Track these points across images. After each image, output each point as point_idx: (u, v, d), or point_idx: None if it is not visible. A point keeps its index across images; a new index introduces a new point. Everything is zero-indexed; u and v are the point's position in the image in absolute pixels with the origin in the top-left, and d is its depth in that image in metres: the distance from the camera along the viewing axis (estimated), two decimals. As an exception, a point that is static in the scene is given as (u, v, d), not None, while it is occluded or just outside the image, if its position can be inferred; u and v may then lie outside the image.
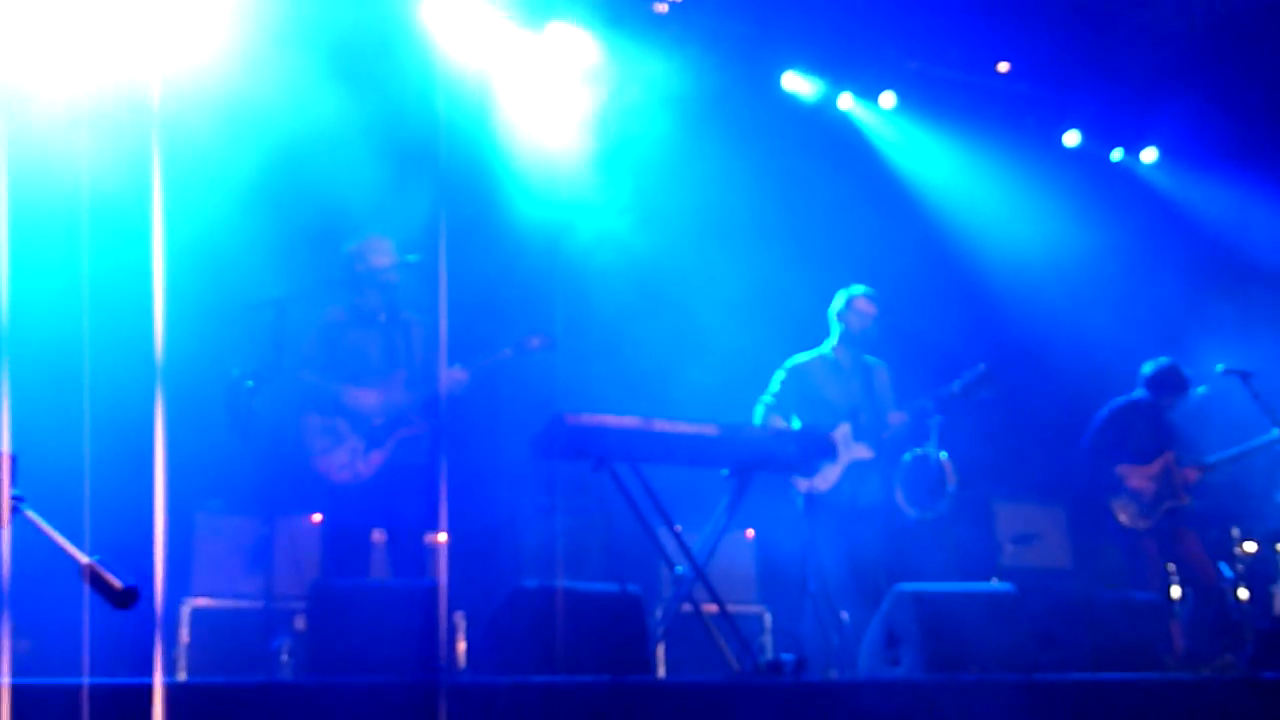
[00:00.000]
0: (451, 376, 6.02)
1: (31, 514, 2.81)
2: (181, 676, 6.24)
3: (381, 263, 6.16)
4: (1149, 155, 10.28)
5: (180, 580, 6.46)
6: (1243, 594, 7.93)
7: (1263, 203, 9.98)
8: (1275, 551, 8.08)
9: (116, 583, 2.77)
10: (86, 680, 3.13)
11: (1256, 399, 7.36)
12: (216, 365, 5.92)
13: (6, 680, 2.98)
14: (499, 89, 8.10)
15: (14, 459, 2.78)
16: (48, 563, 3.03)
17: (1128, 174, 10.28)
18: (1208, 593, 7.37)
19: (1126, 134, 10.19)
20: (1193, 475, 7.37)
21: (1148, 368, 7.63)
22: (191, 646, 6.37)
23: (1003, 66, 9.48)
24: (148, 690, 3.23)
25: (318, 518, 6.52)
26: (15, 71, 6.15)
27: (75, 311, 5.56)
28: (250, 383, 5.67)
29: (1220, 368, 7.52)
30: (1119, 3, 9.24)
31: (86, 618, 3.60)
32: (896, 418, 6.85)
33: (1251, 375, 7.42)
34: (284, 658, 6.14)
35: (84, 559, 2.79)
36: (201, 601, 6.47)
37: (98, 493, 4.77)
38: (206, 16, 6.88)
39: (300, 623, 6.12)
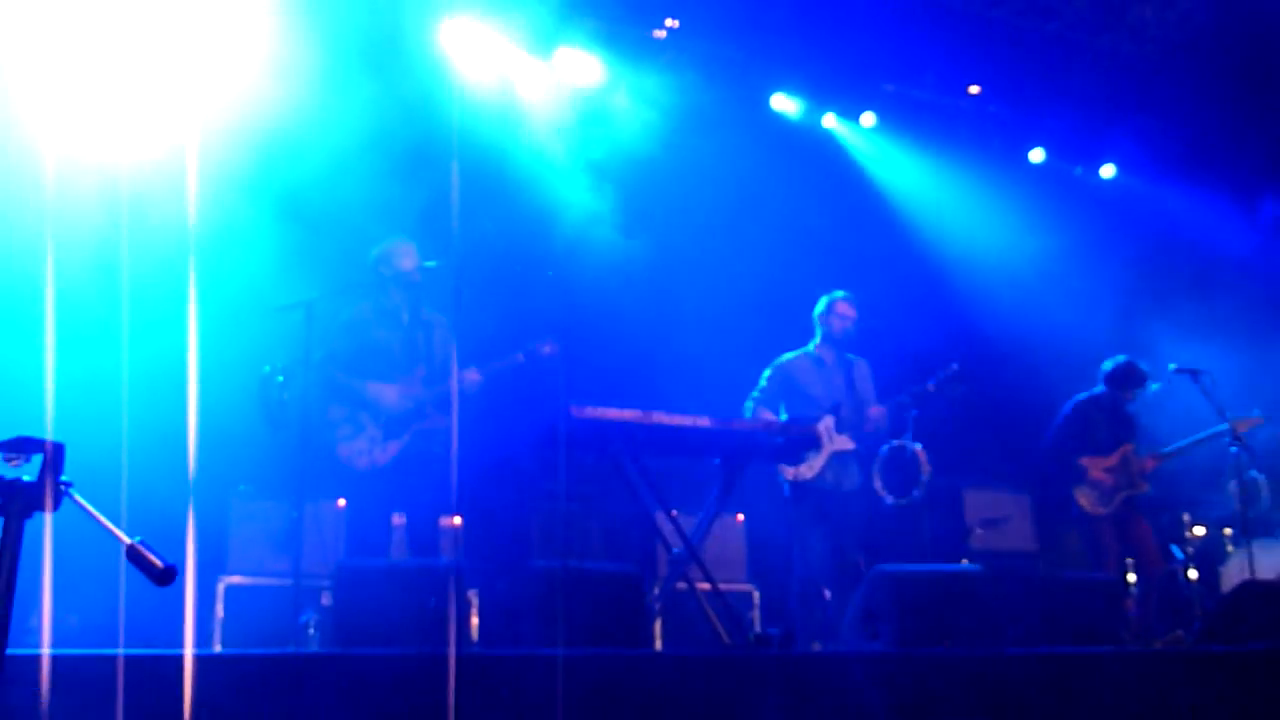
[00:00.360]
0: (466, 378, 6.00)
1: (79, 498, 2.80)
2: (217, 648, 6.24)
3: (406, 265, 6.15)
4: (1107, 171, 10.30)
5: (216, 559, 6.46)
6: (1192, 574, 7.93)
7: (1210, 214, 10.00)
8: (1223, 535, 8.08)
9: (158, 562, 2.76)
10: (121, 651, 3.12)
11: (1206, 396, 7.34)
12: (250, 363, 5.91)
13: (47, 650, 2.97)
14: (511, 107, 8.09)
15: (62, 448, 2.77)
16: (94, 545, 3.02)
17: (1088, 188, 10.29)
18: (1153, 576, 7.36)
19: (1087, 152, 10.21)
20: (1150, 464, 7.35)
21: (1107, 365, 7.62)
22: (226, 620, 6.37)
23: (974, 89, 9.49)
24: (179, 661, 3.22)
25: (342, 502, 6.52)
26: (61, 81, 6.13)
27: (117, 313, 5.55)
28: (280, 378, 5.67)
29: (1172, 367, 7.51)
30: (1080, 32, 9.25)
31: (123, 594, 3.58)
32: (876, 412, 6.83)
33: (1201, 374, 7.41)
34: (311, 631, 6.13)
35: (128, 540, 2.78)
36: (235, 579, 6.47)
37: (140, 480, 4.76)
38: (243, 37, 6.87)
39: (326, 599, 6.12)
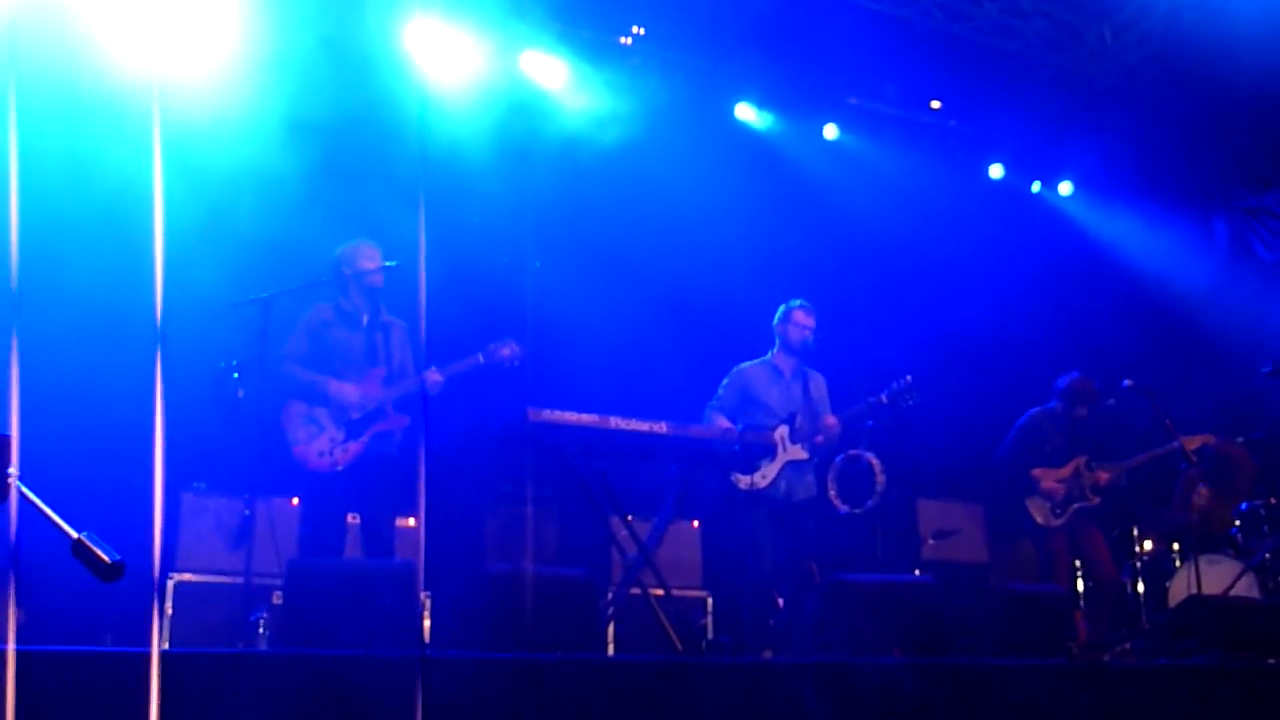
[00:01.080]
0: (427, 379, 5.96)
1: (26, 491, 2.75)
2: (165, 645, 6.16)
3: (368, 266, 6.10)
4: (1065, 188, 10.40)
5: (166, 556, 6.38)
6: (1140, 588, 8.00)
7: (1164, 230, 10.12)
8: (1171, 550, 8.16)
9: (105, 557, 2.72)
10: (90, 649, 3.07)
11: (1158, 413, 7.39)
12: (205, 358, 5.85)
13: (12, 646, 2.91)
14: (473, 108, 8.07)
15: (7, 440, 2.72)
16: (40, 538, 2.97)
17: (1045, 204, 10.39)
18: (1107, 586, 7.41)
19: (1045, 168, 10.31)
20: (1104, 477, 7.37)
21: (1060, 380, 7.66)
22: (175, 618, 6.30)
23: (935, 104, 9.57)
24: (145, 658, 3.17)
25: (296, 501, 6.46)
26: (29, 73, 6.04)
27: (79, 308, 5.49)
28: (236, 374, 5.62)
29: (1127, 383, 7.55)
30: (1041, 51, 9.35)
31: (90, 591, 3.53)
32: (830, 422, 6.83)
33: (1155, 391, 7.45)
34: (261, 630, 6.07)
35: (74, 534, 2.73)
36: (186, 576, 6.39)
37: (96, 474, 4.70)
38: (207, 32, 6.82)
39: (277, 598, 6.05)
